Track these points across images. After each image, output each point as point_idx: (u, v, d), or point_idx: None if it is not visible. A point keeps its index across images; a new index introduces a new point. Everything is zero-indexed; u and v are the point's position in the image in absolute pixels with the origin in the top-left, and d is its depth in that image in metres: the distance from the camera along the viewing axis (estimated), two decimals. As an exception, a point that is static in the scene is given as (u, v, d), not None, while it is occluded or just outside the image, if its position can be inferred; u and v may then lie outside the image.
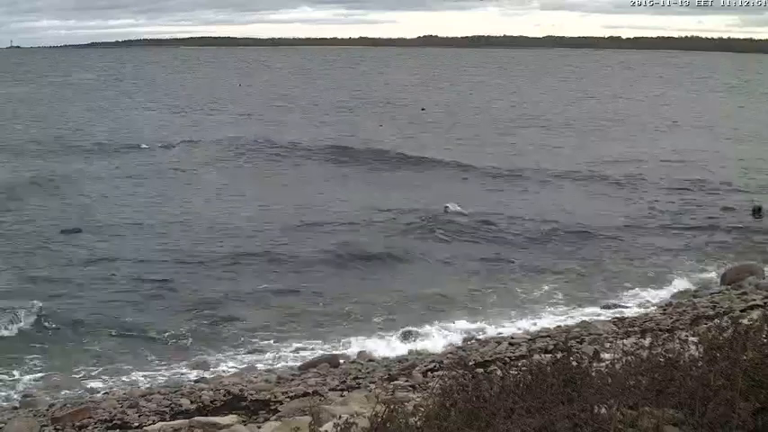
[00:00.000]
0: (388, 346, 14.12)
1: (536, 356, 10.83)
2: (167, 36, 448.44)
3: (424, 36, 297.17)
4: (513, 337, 13.89)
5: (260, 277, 18.09)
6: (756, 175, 31.45)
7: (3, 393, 12.16)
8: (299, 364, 13.27)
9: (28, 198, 25.63)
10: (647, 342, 5.43)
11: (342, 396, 10.62)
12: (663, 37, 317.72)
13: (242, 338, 14.50)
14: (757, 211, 24.14)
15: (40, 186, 27.35)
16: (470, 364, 10.62)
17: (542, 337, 13.78)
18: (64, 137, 40.65)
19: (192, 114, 53.53)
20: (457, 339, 14.33)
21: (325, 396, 10.96)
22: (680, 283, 17.61)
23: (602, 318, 15.13)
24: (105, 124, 46.15)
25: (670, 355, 4.96)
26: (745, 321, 5.37)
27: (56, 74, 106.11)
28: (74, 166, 31.66)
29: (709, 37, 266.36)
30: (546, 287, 17.40)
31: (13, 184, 27.39)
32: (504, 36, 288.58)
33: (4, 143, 37.47)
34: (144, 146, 37.62)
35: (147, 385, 12.36)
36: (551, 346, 12.38)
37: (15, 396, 12.06)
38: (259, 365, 13.29)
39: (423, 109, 55.59)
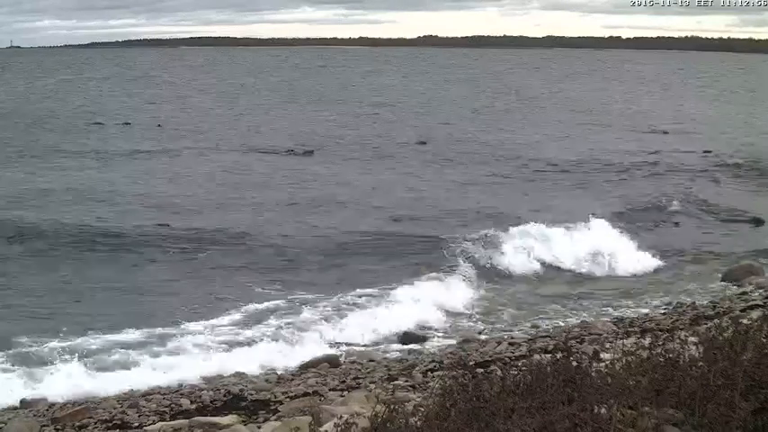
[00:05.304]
0: (387, 346, 14.11)
1: (536, 356, 10.81)
2: (168, 36, 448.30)
3: (424, 36, 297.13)
4: (513, 337, 13.88)
5: (258, 275, 18.12)
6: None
7: (3, 393, 12.15)
8: (299, 364, 13.26)
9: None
10: (647, 342, 5.43)
11: (342, 396, 10.61)
12: (663, 37, 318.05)
13: (242, 338, 14.48)
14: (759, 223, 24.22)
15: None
16: (470, 364, 10.65)
17: (542, 337, 13.77)
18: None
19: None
20: (457, 339, 14.32)
21: (326, 396, 10.95)
22: (680, 283, 17.60)
23: (602, 318, 15.13)
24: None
25: (670, 355, 4.97)
26: (745, 321, 5.38)
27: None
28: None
29: (709, 37, 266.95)
30: (545, 286, 17.39)
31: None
32: (504, 36, 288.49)
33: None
34: None
35: (148, 385, 12.34)
36: (551, 346, 12.36)
37: (15, 396, 12.04)
38: (259, 365, 13.28)
39: None
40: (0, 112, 51.95)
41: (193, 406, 11.02)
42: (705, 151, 37.13)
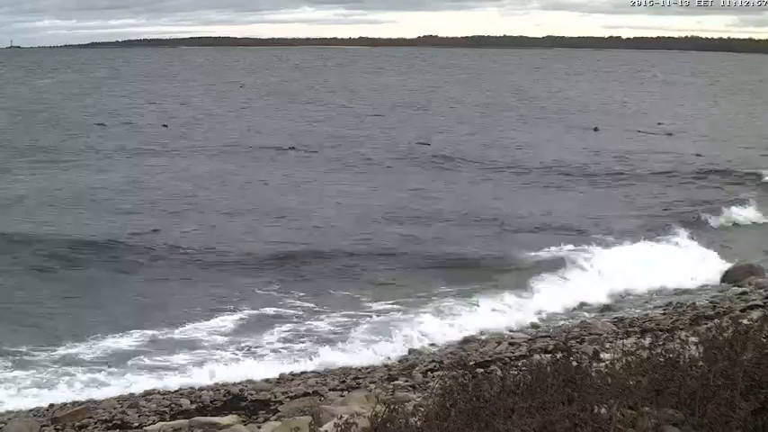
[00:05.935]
0: (388, 346, 14.10)
1: (536, 356, 10.82)
2: (168, 36, 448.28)
3: (424, 36, 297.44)
4: (513, 337, 13.88)
5: (256, 277, 18.11)
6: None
7: (3, 394, 12.15)
8: (298, 363, 13.25)
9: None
10: (647, 342, 5.43)
11: (342, 396, 10.61)
12: (663, 37, 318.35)
13: (241, 337, 14.49)
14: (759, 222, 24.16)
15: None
16: (470, 364, 10.66)
17: (542, 337, 13.77)
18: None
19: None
20: (457, 339, 14.30)
21: (326, 396, 10.96)
22: (680, 283, 17.58)
23: (602, 318, 15.12)
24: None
25: (670, 355, 4.96)
26: (745, 321, 5.37)
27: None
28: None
29: (709, 37, 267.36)
30: (545, 286, 17.36)
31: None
32: (504, 36, 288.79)
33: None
34: None
35: (148, 386, 12.33)
36: (551, 346, 12.37)
37: (16, 397, 12.05)
38: (259, 365, 13.28)
39: None
40: (1, 113, 52.01)
41: (193, 406, 11.02)
42: (705, 153, 37.13)
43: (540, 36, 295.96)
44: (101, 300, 16.71)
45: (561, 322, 15.17)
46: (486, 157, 35.76)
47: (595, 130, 45.61)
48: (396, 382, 11.48)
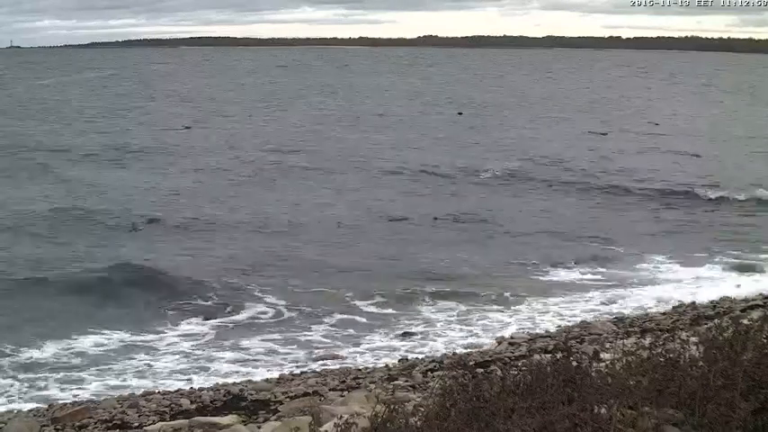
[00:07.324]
0: (387, 346, 14.11)
1: (536, 356, 10.82)
2: (168, 36, 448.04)
3: (424, 36, 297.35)
4: (513, 337, 13.89)
5: (253, 280, 18.09)
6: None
7: (3, 393, 12.16)
8: (299, 363, 13.26)
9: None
10: (647, 342, 5.42)
11: (342, 396, 10.61)
12: (663, 37, 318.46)
13: (242, 337, 14.50)
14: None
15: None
16: (470, 364, 10.67)
17: (542, 337, 13.78)
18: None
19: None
20: (457, 339, 14.31)
21: (326, 396, 10.96)
22: (680, 283, 17.59)
23: (602, 318, 15.13)
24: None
25: (670, 355, 4.95)
26: (745, 321, 5.36)
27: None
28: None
29: (709, 37, 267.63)
30: (544, 288, 17.38)
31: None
32: (504, 36, 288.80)
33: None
34: None
35: (147, 386, 12.34)
36: (551, 346, 12.38)
37: (16, 396, 12.05)
38: (259, 365, 13.29)
39: None
40: (7, 114, 52.05)
41: (193, 406, 11.02)
42: (704, 153, 37.14)
43: (540, 36, 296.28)
44: (99, 301, 16.69)
45: (561, 322, 15.17)
46: (486, 158, 35.73)
47: (603, 134, 45.05)
48: (396, 382, 11.48)
